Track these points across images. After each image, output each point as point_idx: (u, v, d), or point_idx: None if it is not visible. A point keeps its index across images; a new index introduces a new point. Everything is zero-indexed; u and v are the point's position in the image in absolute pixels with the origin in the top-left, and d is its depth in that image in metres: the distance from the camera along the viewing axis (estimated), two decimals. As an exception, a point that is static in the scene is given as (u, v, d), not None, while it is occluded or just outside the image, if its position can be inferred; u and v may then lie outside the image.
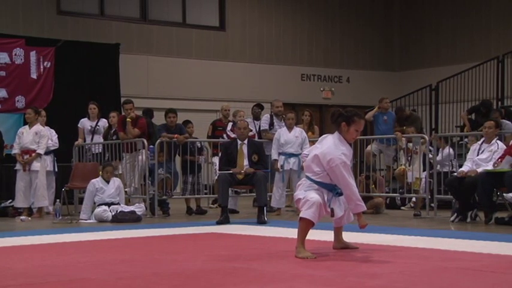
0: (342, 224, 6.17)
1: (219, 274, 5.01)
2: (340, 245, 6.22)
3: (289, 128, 11.20)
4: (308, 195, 5.79)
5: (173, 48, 17.58)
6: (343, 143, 5.88)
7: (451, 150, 11.55)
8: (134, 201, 11.14)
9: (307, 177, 5.95)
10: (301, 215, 5.81)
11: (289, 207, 11.94)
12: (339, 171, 5.72)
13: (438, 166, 11.00)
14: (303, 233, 5.79)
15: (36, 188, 11.06)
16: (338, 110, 6.08)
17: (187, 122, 12.17)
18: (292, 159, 10.98)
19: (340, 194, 5.89)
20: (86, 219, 10.27)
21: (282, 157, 11.04)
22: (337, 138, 5.90)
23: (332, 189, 5.85)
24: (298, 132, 11.20)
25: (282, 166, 11.01)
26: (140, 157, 11.22)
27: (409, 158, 10.86)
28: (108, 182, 10.46)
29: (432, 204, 10.54)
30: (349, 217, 6.13)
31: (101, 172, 10.93)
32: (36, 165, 11.15)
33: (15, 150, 11.33)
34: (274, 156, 11.12)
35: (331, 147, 5.83)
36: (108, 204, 10.28)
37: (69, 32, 15.91)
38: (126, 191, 10.96)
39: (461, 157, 11.51)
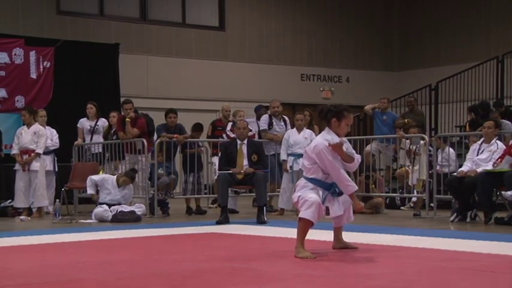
0: (342, 224, 6.17)
1: (219, 274, 5.01)
2: (340, 245, 6.22)
3: (298, 129, 11.21)
4: (307, 195, 5.79)
5: (173, 48, 17.58)
6: (331, 135, 5.96)
7: (451, 150, 11.52)
8: (134, 201, 11.12)
9: (304, 177, 5.99)
10: (300, 215, 5.81)
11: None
12: (324, 156, 5.82)
13: (438, 166, 10.98)
14: (302, 233, 5.79)
15: (35, 188, 11.05)
16: (325, 106, 6.18)
17: (197, 127, 11.79)
18: (301, 160, 10.94)
19: (339, 194, 5.90)
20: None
21: (291, 158, 11.05)
22: (326, 133, 5.98)
23: (328, 187, 5.85)
24: (308, 133, 11.21)
25: (291, 167, 11.01)
26: (143, 159, 11.17)
27: (412, 159, 10.81)
28: (119, 186, 10.48)
29: (432, 204, 10.53)
30: (349, 217, 6.13)
31: (103, 173, 10.99)
32: (35, 165, 11.14)
33: (14, 151, 11.31)
34: (283, 156, 11.13)
35: (317, 138, 6.10)
36: (109, 205, 10.28)
37: (68, 32, 15.91)
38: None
39: (461, 157, 11.51)
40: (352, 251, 6.15)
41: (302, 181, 5.98)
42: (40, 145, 11.17)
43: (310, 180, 5.90)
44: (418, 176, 10.53)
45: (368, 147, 12.06)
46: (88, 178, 10.75)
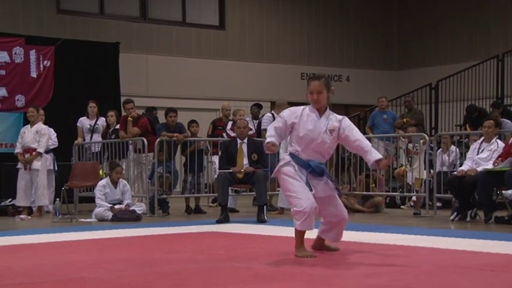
0: (328, 238, 5.97)
1: (218, 273, 5.01)
2: (320, 247, 6.09)
3: None
4: (298, 202, 5.57)
5: (173, 47, 17.58)
6: (311, 111, 5.77)
7: (457, 150, 11.51)
8: (134, 200, 11.13)
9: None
10: (297, 228, 5.61)
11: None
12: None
13: (439, 166, 10.99)
14: (301, 234, 5.75)
15: (36, 187, 11.06)
16: None
17: (192, 122, 11.98)
18: None
19: (319, 175, 5.73)
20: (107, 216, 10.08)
21: None
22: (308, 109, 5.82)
23: (306, 166, 5.69)
24: None
25: None
26: (143, 157, 11.17)
27: (410, 158, 10.82)
28: (115, 184, 10.42)
29: (430, 202, 10.51)
30: (338, 235, 5.96)
31: (103, 172, 10.89)
32: (37, 164, 11.15)
33: (17, 150, 11.32)
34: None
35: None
36: (112, 205, 10.26)
37: (68, 30, 15.92)
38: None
39: (461, 156, 11.52)
40: (352, 251, 6.14)
41: (285, 158, 5.81)
42: (42, 144, 11.18)
43: (291, 156, 5.76)
44: (418, 175, 10.53)
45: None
46: (97, 200, 10.41)
